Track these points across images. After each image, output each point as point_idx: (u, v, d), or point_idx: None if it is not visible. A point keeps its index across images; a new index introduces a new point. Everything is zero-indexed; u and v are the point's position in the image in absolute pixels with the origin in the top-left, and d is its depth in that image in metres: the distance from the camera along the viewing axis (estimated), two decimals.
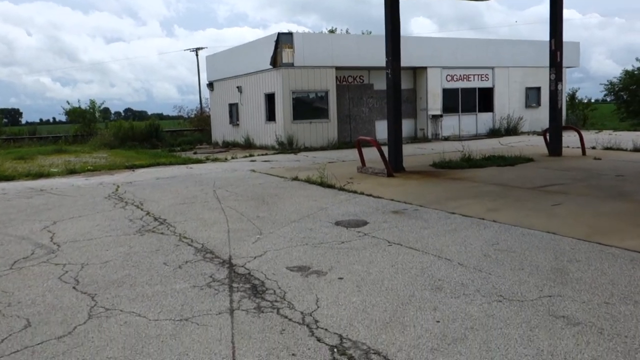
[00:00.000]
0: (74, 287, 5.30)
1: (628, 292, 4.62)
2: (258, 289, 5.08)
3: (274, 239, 7.05)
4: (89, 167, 16.80)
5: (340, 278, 5.30)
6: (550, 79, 15.71)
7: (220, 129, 28.25)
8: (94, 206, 10.10)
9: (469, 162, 14.17)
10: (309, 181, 12.10)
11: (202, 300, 4.81)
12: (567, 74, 27.57)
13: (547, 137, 16.28)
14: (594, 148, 16.94)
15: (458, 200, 9.33)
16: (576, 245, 6.15)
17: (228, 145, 26.44)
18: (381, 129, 24.35)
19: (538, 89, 27.58)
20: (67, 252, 6.71)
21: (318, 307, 4.55)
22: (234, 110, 26.61)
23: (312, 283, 5.18)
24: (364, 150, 14.20)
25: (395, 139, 13.33)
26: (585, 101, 33.94)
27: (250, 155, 19.75)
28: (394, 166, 13.02)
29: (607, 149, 16.93)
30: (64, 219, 8.89)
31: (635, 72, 30.71)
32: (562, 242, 6.29)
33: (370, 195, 10.12)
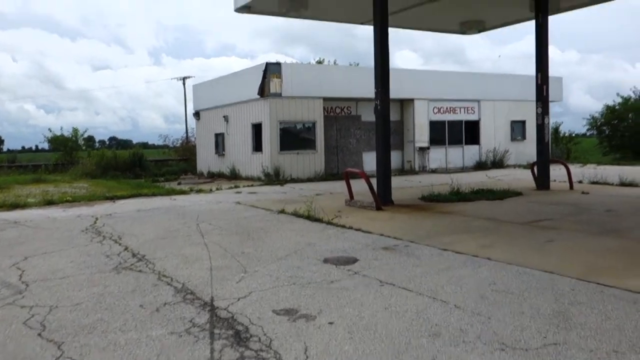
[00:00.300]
0: (39, 334, 4.88)
1: (636, 339, 4.34)
2: (242, 335, 4.70)
3: (259, 277, 6.69)
4: (67, 198, 16.32)
5: (331, 323, 4.95)
6: (537, 113, 15.68)
7: (206, 159, 27.91)
8: (70, 240, 9.66)
9: (457, 196, 13.96)
10: (296, 214, 11.77)
11: (180, 349, 4.43)
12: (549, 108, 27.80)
13: (535, 171, 16.17)
14: (580, 182, 16.86)
15: (449, 235, 9.05)
16: (575, 285, 5.87)
17: (213, 176, 26.08)
18: (369, 161, 24.20)
19: (523, 122, 27.74)
20: (36, 293, 6.28)
21: (307, 357, 4.19)
22: (219, 140, 26.34)
23: (300, 329, 4.82)
24: (352, 182, 13.94)
25: (384, 172, 13.10)
26: (568, 135, 34.21)
27: (236, 187, 19.39)
28: (383, 199, 12.76)
29: (593, 183, 16.86)
30: (36, 255, 8.44)
31: (617, 107, 31.10)
32: (560, 282, 6.01)
33: (359, 229, 9.81)
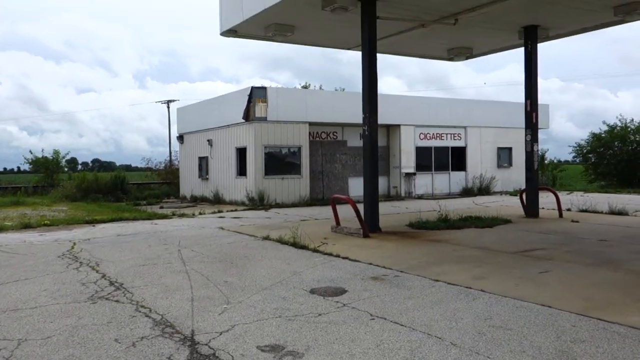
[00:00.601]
0: None
1: None
2: None
3: (243, 309, 6.33)
4: (45, 222, 15.81)
5: None
6: (526, 140, 15.61)
7: (189, 183, 27.48)
8: (45, 267, 9.22)
9: (446, 223, 13.73)
10: (281, 241, 11.42)
11: None
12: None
13: (524, 198, 16.03)
14: (569, 210, 16.74)
15: (440, 265, 8.77)
16: (576, 321, 5.60)
17: (196, 200, 25.63)
18: (354, 186, 23.99)
19: (509, 149, 27.79)
20: (4, 324, 5.86)
21: None
22: (203, 164, 25.97)
23: None
24: (338, 207, 13.65)
25: (372, 198, 12.84)
26: (554, 162, 34.37)
27: (220, 211, 18.99)
28: (370, 226, 12.47)
29: (582, 211, 16.75)
30: (7, 282, 8.00)
31: (603, 135, 31.35)
32: (560, 318, 5.73)
33: (346, 258, 9.49)
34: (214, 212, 18.70)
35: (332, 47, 17.64)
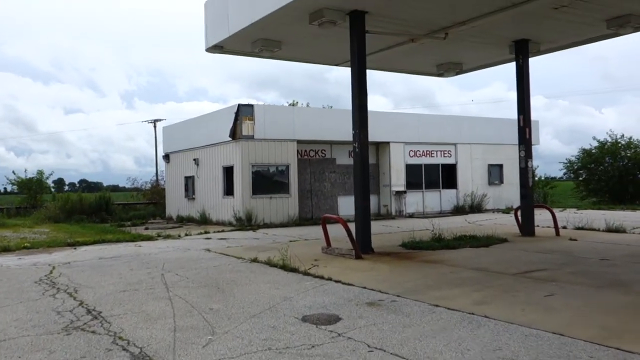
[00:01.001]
0: None
1: None
2: None
3: (229, 341, 5.82)
4: (25, 244, 15.17)
5: None
6: (520, 156, 15.29)
7: (175, 203, 26.88)
8: (20, 294, 8.63)
9: (440, 243, 13.30)
10: (269, 263, 10.91)
11: None
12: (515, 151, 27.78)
13: (519, 216, 15.66)
14: (564, 227, 16.38)
15: (438, 289, 8.31)
16: (593, 352, 5.15)
17: (182, 220, 25.01)
18: (344, 205, 23.55)
19: (500, 166, 27.54)
20: None
21: None
22: (189, 184, 25.42)
23: None
24: (329, 226, 13.17)
25: (363, 217, 12.39)
26: (545, 179, 34.18)
27: (206, 232, 18.42)
28: (362, 247, 12.00)
29: (578, 228, 16.41)
30: None
31: (593, 151, 31.25)
32: (575, 347, 5.28)
33: (339, 281, 9.00)
34: (200, 233, 18.12)
35: (320, 63, 17.32)
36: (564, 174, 33.23)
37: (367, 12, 12.12)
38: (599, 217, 19.89)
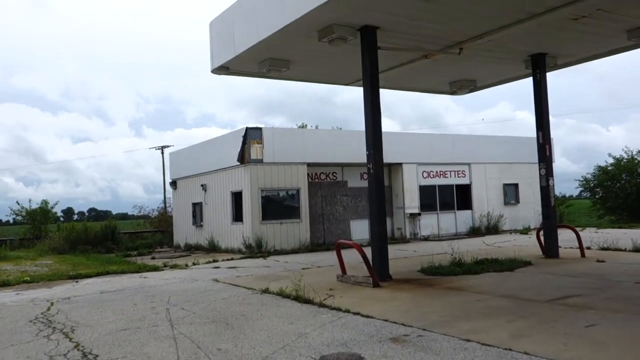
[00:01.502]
0: None
1: None
2: None
3: None
4: (26, 278, 14.56)
5: None
6: (540, 175, 14.59)
7: (183, 231, 26.26)
8: (11, 335, 7.99)
9: (461, 267, 12.57)
10: (282, 294, 10.20)
11: None
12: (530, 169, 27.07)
13: (541, 237, 14.89)
14: (589, 248, 15.56)
15: (468, 320, 7.58)
16: None
17: (191, 249, 24.35)
18: (357, 229, 22.86)
19: (516, 185, 26.78)
20: None
21: None
22: (197, 210, 24.82)
23: None
24: (342, 251, 12.44)
25: (380, 242, 11.69)
26: (560, 197, 33.33)
27: (214, 261, 17.74)
28: (380, 274, 11.28)
29: (603, 249, 15.60)
30: None
31: (609, 168, 30.45)
32: None
33: (358, 313, 8.29)
34: (208, 262, 17.44)
35: (330, 83, 16.79)
36: (581, 191, 32.37)
37: (378, 28, 11.60)
38: (622, 236, 19.06)
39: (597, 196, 31.29)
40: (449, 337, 6.69)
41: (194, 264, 17.15)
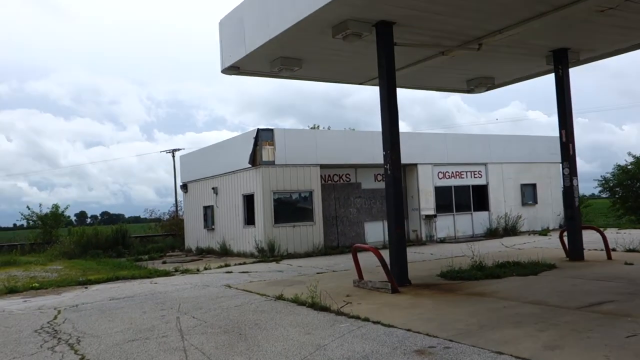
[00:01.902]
0: None
1: None
2: None
3: None
4: (34, 284, 14.24)
5: None
6: (563, 174, 14.05)
7: (194, 234, 25.91)
8: (15, 346, 7.62)
9: (482, 271, 12.04)
10: (297, 301, 9.76)
11: None
12: (549, 169, 26.44)
13: (564, 239, 14.34)
14: (614, 250, 14.98)
15: (496, 329, 7.09)
16: None
17: (202, 252, 24.00)
18: (371, 232, 22.39)
19: (533, 185, 26.14)
20: None
21: None
22: (208, 214, 24.44)
23: None
24: (357, 254, 11.99)
25: (398, 246, 11.23)
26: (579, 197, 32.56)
27: (227, 265, 17.33)
28: (398, 279, 10.81)
29: (629, 250, 15.03)
30: None
31: (629, 167, 29.71)
32: None
33: (378, 322, 7.82)
34: (220, 267, 17.04)
35: (344, 82, 16.34)
36: (600, 191, 31.60)
37: (394, 23, 11.14)
38: None
39: (616, 196, 30.54)
40: (479, 349, 6.22)
41: (205, 268, 16.75)
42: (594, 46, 13.87)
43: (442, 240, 23.06)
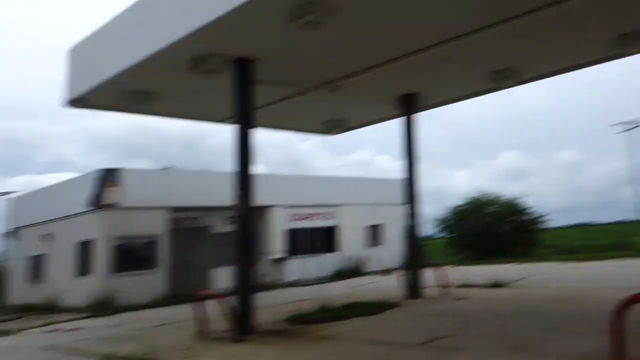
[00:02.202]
0: None
1: None
2: None
3: None
4: None
5: None
6: (406, 214, 14.61)
7: (19, 288, 23.08)
8: None
9: (329, 313, 11.95)
10: None
11: None
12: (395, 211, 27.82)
13: (405, 278, 14.82)
14: (448, 287, 15.79)
15: None
16: None
17: (28, 310, 21.33)
18: (222, 278, 21.51)
19: (380, 226, 27.16)
20: None
21: None
22: (38, 264, 21.97)
23: None
24: (207, 303, 11.29)
25: (244, 292, 10.78)
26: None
27: (54, 323, 15.43)
28: (244, 327, 10.29)
29: (462, 286, 15.96)
30: None
31: (465, 207, 32.24)
32: None
33: None
34: (46, 325, 15.11)
35: (202, 120, 15.69)
36: (439, 231, 33.80)
37: (252, 61, 10.93)
38: (478, 272, 19.80)
39: (452, 234, 32.82)
40: None
41: (28, 327, 14.75)
42: (437, 93, 14.60)
43: (292, 284, 22.87)
